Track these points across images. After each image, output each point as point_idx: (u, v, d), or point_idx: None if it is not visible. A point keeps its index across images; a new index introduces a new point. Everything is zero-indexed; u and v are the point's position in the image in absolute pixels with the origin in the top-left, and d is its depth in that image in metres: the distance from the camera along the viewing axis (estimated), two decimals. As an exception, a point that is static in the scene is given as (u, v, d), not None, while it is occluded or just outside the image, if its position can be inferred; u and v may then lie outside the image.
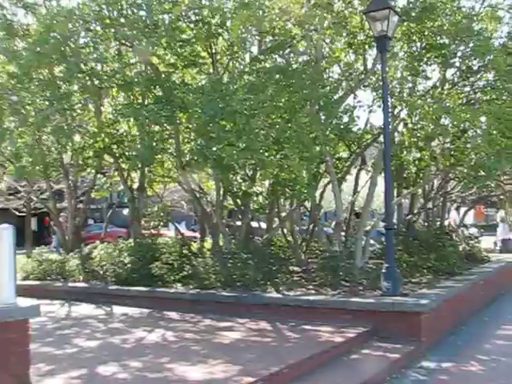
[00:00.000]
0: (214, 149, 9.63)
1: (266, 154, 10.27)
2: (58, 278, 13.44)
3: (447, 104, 11.63)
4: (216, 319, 9.37)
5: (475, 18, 12.04)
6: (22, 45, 12.08)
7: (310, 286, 10.36)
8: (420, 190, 15.00)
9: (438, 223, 16.33)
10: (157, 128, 11.56)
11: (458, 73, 12.45)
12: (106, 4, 10.58)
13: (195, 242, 14.78)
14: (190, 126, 11.52)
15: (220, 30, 11.38)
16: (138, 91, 12.27)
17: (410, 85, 12.63)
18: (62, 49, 10.62)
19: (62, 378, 6.13)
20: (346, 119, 11.62)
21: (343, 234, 13.00)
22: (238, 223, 13.33)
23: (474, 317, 10.62)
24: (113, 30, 10.90)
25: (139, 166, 12.61)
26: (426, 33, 11.78)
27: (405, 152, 13.25)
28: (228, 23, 11.16)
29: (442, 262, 12.01)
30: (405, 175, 14.20)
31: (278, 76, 10.78)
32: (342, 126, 11.23)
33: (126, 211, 20.95)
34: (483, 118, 11.39)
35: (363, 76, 12.27)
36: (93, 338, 8.40)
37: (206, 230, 13.91)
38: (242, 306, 9.71)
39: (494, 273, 13.52)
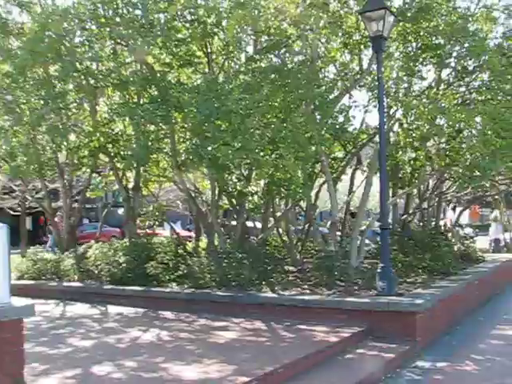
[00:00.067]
0: (210, 148, 9.63)
1: (262, 153, 10.27)
2: (53, 278, 13.41)
3: (442, 104, 11.66)
4: (211, 319, 9.36)
5: (470, 18, 12.07)
6: (17, 44, 12.07)
7: (305, 286, 10.36)
8: (415, 190, 15.04)
9: (433, 223, 16.36)
10: (152, 127, 11.55)
11: (453, 73, 12.48)
12: (101, 3, 10.56)
13: (190, 241, 14.79)
14: (186, 125, 11.51)
15: (215, 30, 11.37)
16: (134, 90, 12.25)
17: (406, 85, 12.66)
18: (57, 48, 10.60)
19: (57, 377, 6.11)
20: (341, 119, 11.64)
21: (338, 233, 13.04)
22: (233, 223, 13.32)
23: (468, 317, 10.63)
24: (108, 29, 10.88)
25: (134, 165, 12.58)
26: (421, 33, 11.80)
27: (400, 152, 13.28)
28: (223, 23, 11.17)
29: (437, 261, 12.03)
30: (400, 175, 14.24)
31: (273, 76, 10.78)
32: (337, 126, 11.23)
33: (120, 211, 20.93)
34: (478, 119, 11.43)
35: (359, 76, 12.29)
36: (87, 337, 8.39)
37: (201, 230, 13.90)
38: (237, 305, 9.70)
39: (488, 273, 13.54)
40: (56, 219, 16.53)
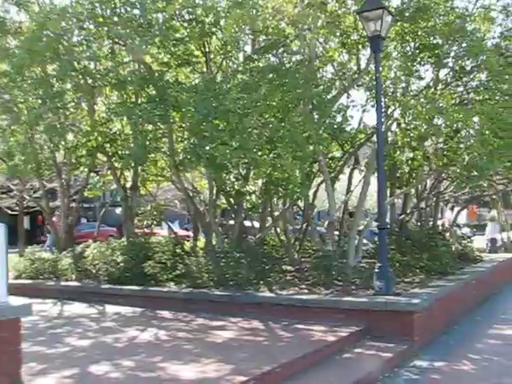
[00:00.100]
0: (208, 148, 9.63)
1: (259, 153, 10.27)
2: (51, 277, 13.39)
3: (440, 104, 11.66)
4: (209, 318, 9.36)
5: (468, 18, 12.08)
6: (15, 43, 12.05)
7: (303, 286, 10.36)
8: (413, 190, 15.05)
9: (431, 223, 16.38)
10: (150, 127, 11.54)
11: (451, 73, 12.48)
12: (99, 2, 10.54)
13: (188, 241, 14.79)
14: (184, 124, 11.50)
15: (214, 29, 11.36)
16: (132, 90, 12.25)
17: (404, 85, 12.65)
18: (55, 47, 10.59)
19: (54, 377, 6.10)
20: (339, 119, 11.66)
21: (336, 233, 13.03)
22: (231, 222, 13.33)
23: (466, 316, 10.65)
24: (106, 29, 10.87)
25: (132, 164, 12.59)
26: (419, 33, 11.80)
27: (398, 152, 13.29)
28: (222, 22, 11.16)
29: (435, 261, 12.03)
30: (398, 175, 14.25)
31: (271, 75, 10.77)
32: (335, 126, 11.24)
33: (118, 210, 20.90)
34: (476, 118, 11.43)
35: (357, 76, 12.28)
36: (85, 337, 8.38)
37: (199, 229, 13.90)
38: (234, 305, 9.71)
39: (486, 272, 13.57)
40: (54, 219, 16.51)
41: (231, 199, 12.71)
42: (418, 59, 11.98)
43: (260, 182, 12.47)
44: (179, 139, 12.51)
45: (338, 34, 12.06)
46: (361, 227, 12.93)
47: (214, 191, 12.61)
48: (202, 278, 10.68)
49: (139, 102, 12.09)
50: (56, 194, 17.30)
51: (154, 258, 11.96)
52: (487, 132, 10.85)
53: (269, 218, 13.53)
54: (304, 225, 13.88)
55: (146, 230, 15.40)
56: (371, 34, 9.50)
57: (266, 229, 13.34)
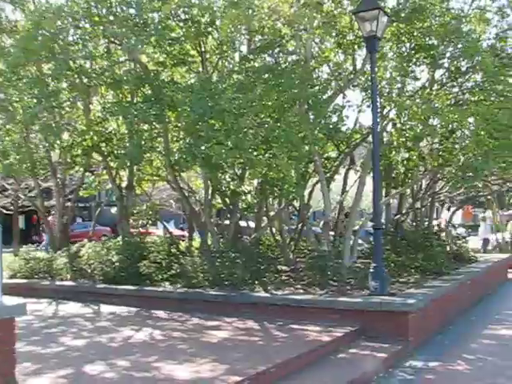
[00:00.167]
0: (203, 147, 9.62)
1: (255, 153, 10.27)
2: (46, 277, 13.35)
3: (436, 105, 11.70)
4: (204, 318, 9.35)
5: (464, 19, 12.12)
6: (10, 41, 12.03)
7: (298, 286, 10.36)
8: (408, 190, 15.08)
9: (426, 223, 16.41)
10: (145, 126, 11.54)
11: (446, 74, 12.52)
12: (94, 1, 10.53)
13: (183, 240, 14.77)
14: (179, 124, 11.51)
15: (209, 29, 11.37)
16: (127, 89, 12.24)
17: (399, 85, 12.69)
18: (51, 46, 10.57)
19: (49, 377, 6.08)
20: (334, 119, 11.67)
21: (331, 233, 13.04)
22: (227, 222, 13.32)
23: (461, 316, 10.68)
24: (102, 28, 10.86)
25: (128, 164, 12.56)
26: (415, 34, 11.84)
27: (393, 152, 13.31)
28: (217, 22, 11.18)
29: (430, 261, 12.06)
30: (393, 175, 14.27)
31: (267, 75, 10.78)
32: (330, 126, 11.25)
33: (113, 210, 20.88)
34: (471, 119, 11.48)
35: (352, 76, 12.31)
36: (80, 336, 8.36)
37: (195, 229, 13.89)
38: (229, 305, 9.70)
39: (481, 273, 13.60)
40: (50, 218, 16.47)
41: (226, 199, 12.72)
42: (414, 60, 12.02)
43: (255, 181, 12.47)
44: (175, 139, 12.50)
45: (333, 34, 12.08)
46: (356, 227, 12.95)
47: (210, 191, 12.61)
48: (197, 278, 10.68)
49: (135, 101, 12.08)
50: (51, 193, 17.26)
51: (149, 258, 11.95)
52: (482, 132, 10.88)
53: (264, 218, 13.54)
54: (299, 225, 13.89)
55: (141, 230, 15.38)
56: (367, 34, 9.51)
57: (261, 229, 13.35)
